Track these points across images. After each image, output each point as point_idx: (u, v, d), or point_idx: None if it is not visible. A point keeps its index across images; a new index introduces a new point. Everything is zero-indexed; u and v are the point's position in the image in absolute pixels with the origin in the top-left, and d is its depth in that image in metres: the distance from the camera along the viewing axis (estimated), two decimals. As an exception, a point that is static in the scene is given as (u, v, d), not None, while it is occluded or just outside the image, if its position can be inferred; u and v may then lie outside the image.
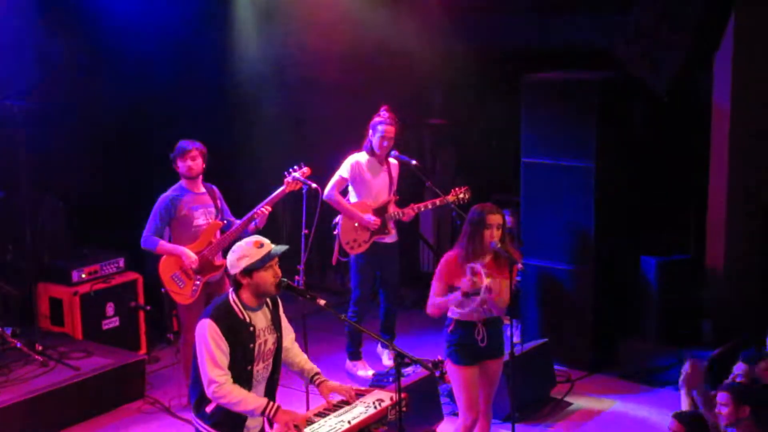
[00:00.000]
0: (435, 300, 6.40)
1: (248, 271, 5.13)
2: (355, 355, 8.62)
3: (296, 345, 5.60)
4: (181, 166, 7.58)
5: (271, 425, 5.29)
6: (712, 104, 8.83)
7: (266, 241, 5.22)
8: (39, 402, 7.56)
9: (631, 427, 7.58)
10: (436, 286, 6.42)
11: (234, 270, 5.17)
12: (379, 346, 8.88)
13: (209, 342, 5.07)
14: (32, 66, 8.76)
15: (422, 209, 8.31)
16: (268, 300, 5.30)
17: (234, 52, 10.58)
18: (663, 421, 5.87)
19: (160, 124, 9.38)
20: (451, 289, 6.33)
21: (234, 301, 5.19)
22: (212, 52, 10.23)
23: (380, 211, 8.29)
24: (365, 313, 8.52)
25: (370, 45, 10.12)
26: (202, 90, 9.91)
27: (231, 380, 5.09)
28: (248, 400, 5.12)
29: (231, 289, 5.24)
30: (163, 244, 7.55)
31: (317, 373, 5.52)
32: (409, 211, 8.32)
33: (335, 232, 8.35)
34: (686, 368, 6.52)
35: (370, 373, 8.37)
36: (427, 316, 6.56)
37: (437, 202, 8.15)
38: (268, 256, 5.14)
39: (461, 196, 8.10)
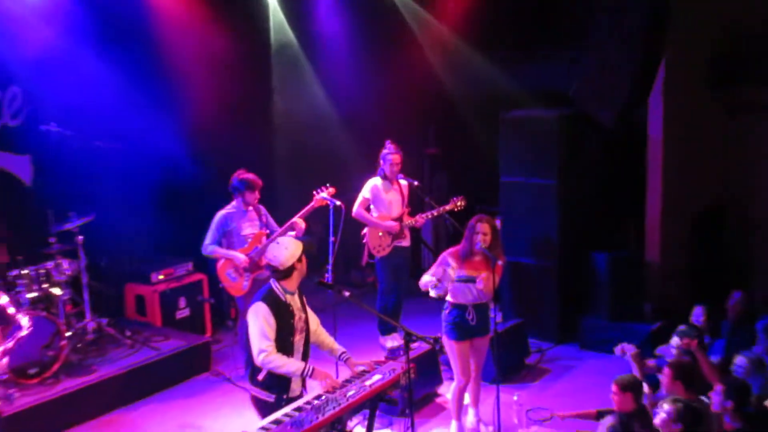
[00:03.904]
0: (425, 277, 6.50)
1: (300, 259, 5.22)
2: (385, 331, 8.60)
3: (322, 328, 5.62)
4: (249, 197, 7.54)
5: (304, 386, 5.35)
6: (648, 133, 8.84)
7: (288, 239, 5.38)
8: (129, 375, 7.60)
9: (589, 386, 7.55)
10: (432, 268, 6.53)
11: (288, 263, 5.20)
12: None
13: (260, 319, 5.13)
14: (113, 99, 8.71)
15: (433, 215, 8.21)
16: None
17: (271, 91, 10.62)
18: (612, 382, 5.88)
19: (212, 153, 9.37)
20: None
21: (277, 287, 5.24)
22: (252, 91, 10.21)
23: (397, 221, 8.27)
24: (392, 300, 8.48)
25: (380, 90, 10.23)
26: (246, 122, 9.90)
27: (276, 350, 5.13)
28: (290, 364, 5.16)
29: (272, 279, 5.28)
30: (219, 249, 7.56)
31: (344, 352, 5.55)
32: (420, 219, 8.29)
33: (364, 241, 8.32)
34: (629, 356, 6.55)
35: (396, 344, 8.30)
36: (428, 303, 6.62)
37: (445, 208, 8.09)
38: (304, 248, 5.30)
39: (459, 204, 8.10)
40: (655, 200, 8.83)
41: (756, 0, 8.73)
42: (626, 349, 6.54)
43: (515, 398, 6.89)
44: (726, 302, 7.44)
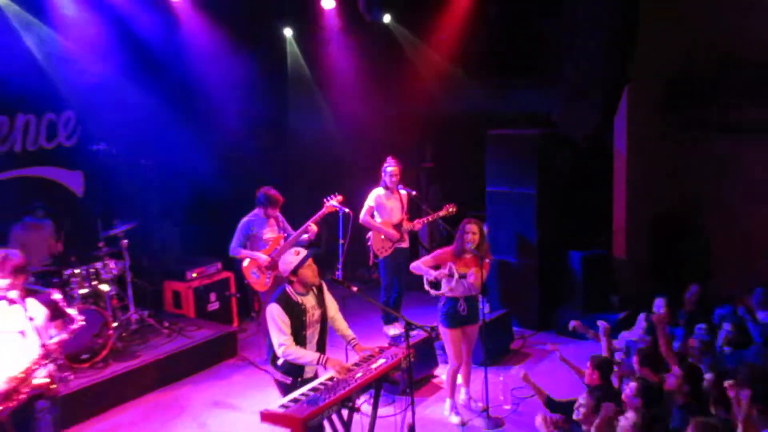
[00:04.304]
0: (420, 264, 6.53)
1: (294, 271, 5.23)
2: (388, 321, 8.64)
3: (340, 315, 5.62)
4: (271, 211, 7.51)
5: (324, 368, 5.37)
6: (614, 149, 8.90)
7: (301, 249, 5.32)
8: (167, 360, 7.66)
9: (564, 367, 7.46)
10: (428, 258, 6.56)
11: (285, 272, 5.26)
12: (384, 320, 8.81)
13: (275, 318, 5.17)
14: (154, 125, 8.80)
15: (429, 220, 8.25)
16: (315, 287, 5.37)
17: (287, 113, 10.65)
18: (585, 363, 5.95)
19: (236, 169, 9.40)
20: (435, 267, 6.50)
21: (289, 290, 5.27)
22: (271, 113, 10.25)
23: (397, 226, 8.29)
24: (393, 294, 8.51)
25: (384, 112, 10.28)
26: (265, 140, 9.93)
27: (293, 342, 5.17)
28: (307, 355, 5.20)
29: (286, 282, 5.32)
30: (244, 251, 7.56)
31: (353, 338, 5.57)
32: (418, 224, 8.30)
33: (369, 243, 8.33)
34: (602, 330, 6.61)
35: (398, 332, 8.34)
36: (425, 297, 6.61)
37: (438, 214, 8.08)
38: (304, 259, 5.25)
39: (450, 210, 8.09)
40: (621, 206, 8.86)
41: (707, 34, 8.79)
42: (600, 324, 6.59)
43: (501, 378, 6.97)
44: (684, 295, 7.48)
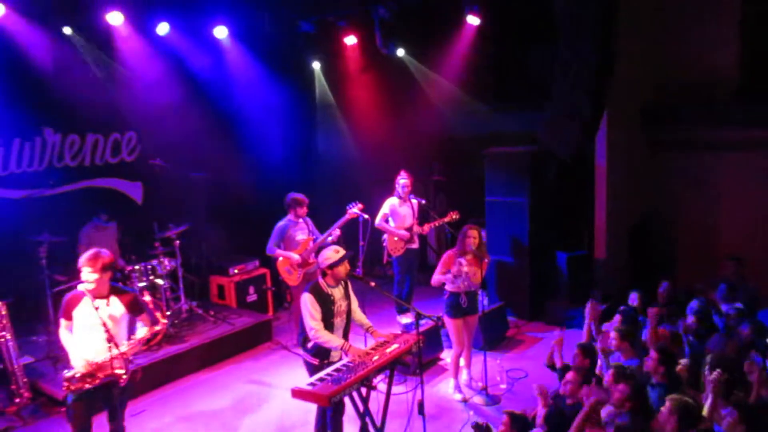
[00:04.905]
0: (437, 276, 6.47)
1: (331, 266, 5.22)
2: (400, 311, 8.62)
3: (359, 309, 5.60)
4: (300, 210, 7.52)
5: (346, 354, 5.35)
6: (595, 163, 8.84)
7: (341, 249, 5.29)
8: (212, 344, 7.68)
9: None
10: (439, 268, 6.50)
11: (323, 265, 5.24)
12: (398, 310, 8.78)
13: (307, 305, 5.15)
14: (198, 140, 8.82)
15: (436, 225, 8.23)
16: (342, 282, 5.37)
17: (315, 134, 10.68)
18: (571, 349, 5.87)
19: (271, 180, 9.41)
20: (447, 272, 6.43)
21: (321, 282, 5.25)
22: (301, 134, 10.31)
23: (408, 230, 8.28)
24: (405, 288, 8.47)
25: (398, 133, 10.28)
26: (296, 158, 10.01)
27: (323, 327, 5.16)
28: (333, 340, 5.17)
29: (320, 275, 5.32)
30: (278, 251, 7.56)
31: (370, 326, 5.55)
32: (426, 228, 8.29)
33: (384, 245, 8.33)
34: (588, 307, 6.50)
35: (409, 321, 8.32)
36: (432, 291, 6.59)
37: (444, 220, 8.02)
38: (342, 258, 5.23)
39: (454, 216, 8.05)
40: (601, 212, 8.76)
41: (674, 65, 8.73)
42: (588, 311, 6.41)
43: (498, 361, 6.93)
44: (657, 289, 7.38)
